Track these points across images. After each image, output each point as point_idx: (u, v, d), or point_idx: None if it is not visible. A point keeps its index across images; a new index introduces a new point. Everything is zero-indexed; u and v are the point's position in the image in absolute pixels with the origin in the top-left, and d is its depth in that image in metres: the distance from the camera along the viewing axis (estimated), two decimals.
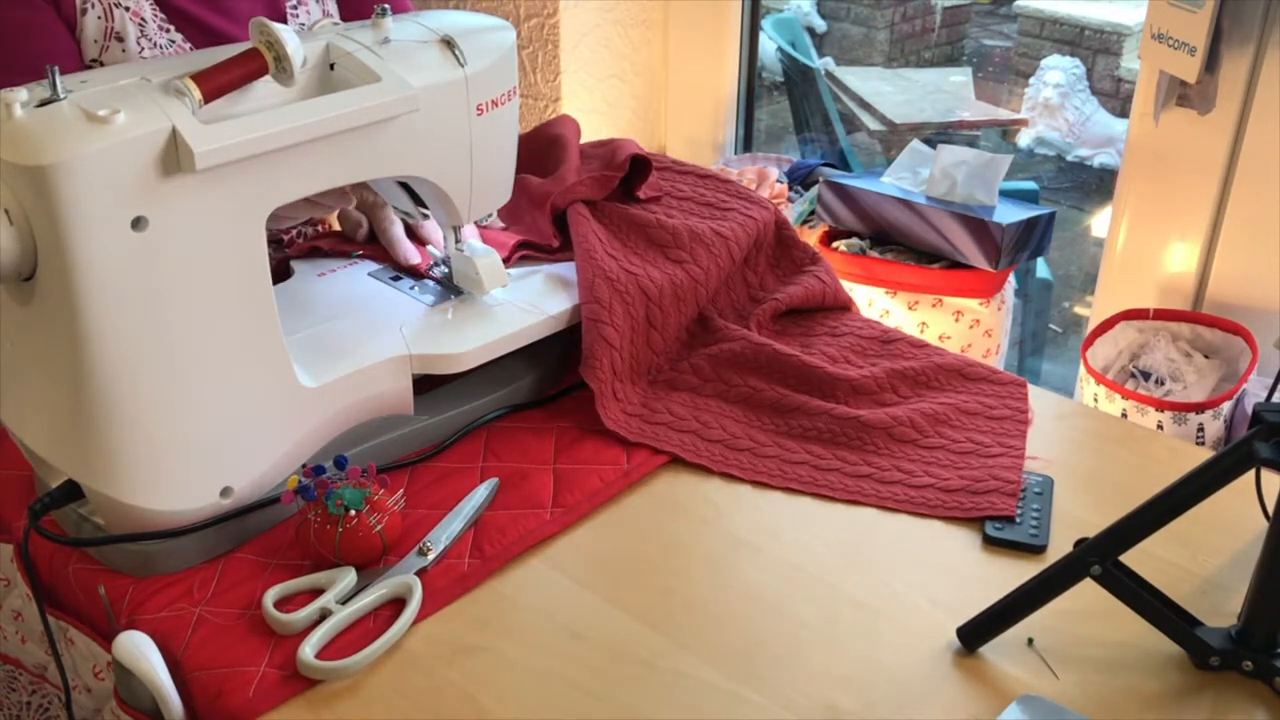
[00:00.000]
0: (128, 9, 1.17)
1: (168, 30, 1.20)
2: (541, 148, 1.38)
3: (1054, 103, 3.81)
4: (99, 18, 1.16)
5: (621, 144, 1.34)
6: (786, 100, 3.14)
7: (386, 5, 1.04)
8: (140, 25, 1.18)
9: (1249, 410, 1.60)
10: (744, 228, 1.31)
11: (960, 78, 4.19)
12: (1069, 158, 3.82)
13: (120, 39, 1.17)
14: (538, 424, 1.17)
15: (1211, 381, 1.71)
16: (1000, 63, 4.27)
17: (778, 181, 2.17)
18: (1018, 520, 1.03)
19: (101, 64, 1.17)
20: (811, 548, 1.02)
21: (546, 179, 1.31)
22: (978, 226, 1.78)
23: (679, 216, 1.31)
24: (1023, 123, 3.93)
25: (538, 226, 1.29)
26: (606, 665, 0.91)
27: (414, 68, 1.02)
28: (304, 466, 1.04)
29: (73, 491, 0.97)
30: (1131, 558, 0.87)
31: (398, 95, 0.99)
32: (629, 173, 1.33)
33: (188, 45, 1.21)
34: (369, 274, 1.23)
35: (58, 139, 0.84)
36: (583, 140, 1.45)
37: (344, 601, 0.94)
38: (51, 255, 0.87)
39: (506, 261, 1.23)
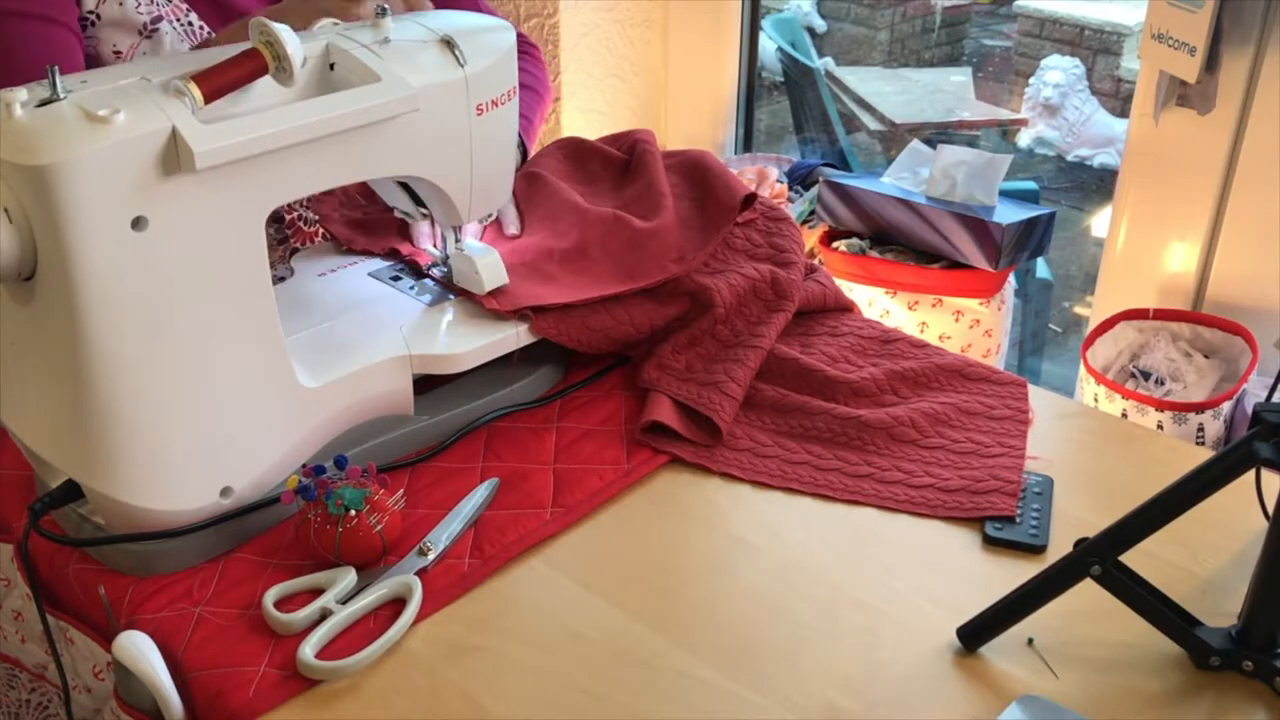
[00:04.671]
0: None
1: None
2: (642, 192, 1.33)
3: (1054, 103, 3.82)
4: None
5: (718, 175, 1.32)
6: (786, 100, 3.14)
7: (385, 5, 1.04)
8: None
9: (1249, 410, 1.60)
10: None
11: (960, 78, 4.19)
12: (1069, 158, 3.82)
13: None
14: (538, 424, 1.17)
15: (1211, 381, 1.72)
16: (1000, 63, 4.28)
17: (778, 181, 2.18)
18: (1018, 520, 1.03)
19: (98, 16, 1.17)
20: (811, 548, 1.02)
21: (653, 233, 1.25)
22: (978, 226, 1.79)
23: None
24: (1023, 123, 3.93)
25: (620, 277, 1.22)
26: (606, 665, 0.91)
27: (414, 68, 1.02)
28: (304, 466, 1.04)
29: (73, 491, 0.97)
30: (1131, 558, 0.87)
31: (398, 95, 0.99)
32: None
33: (185, 4, 1.21)
34: (369, 274, 1.23)
35: (58, 139, 0.84)
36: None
37: (344, 601, 0.94)
38: (51, 255, 0.87)
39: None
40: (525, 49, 1.49)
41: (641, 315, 1.20)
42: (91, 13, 1.17)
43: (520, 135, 1.38)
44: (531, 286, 1.19)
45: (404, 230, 1.30)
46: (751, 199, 1.31)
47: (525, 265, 1.22)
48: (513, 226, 1.29)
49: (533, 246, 1.26)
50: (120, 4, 1.18)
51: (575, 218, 1.28)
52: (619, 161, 1.40)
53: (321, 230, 1.46)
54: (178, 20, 1.20)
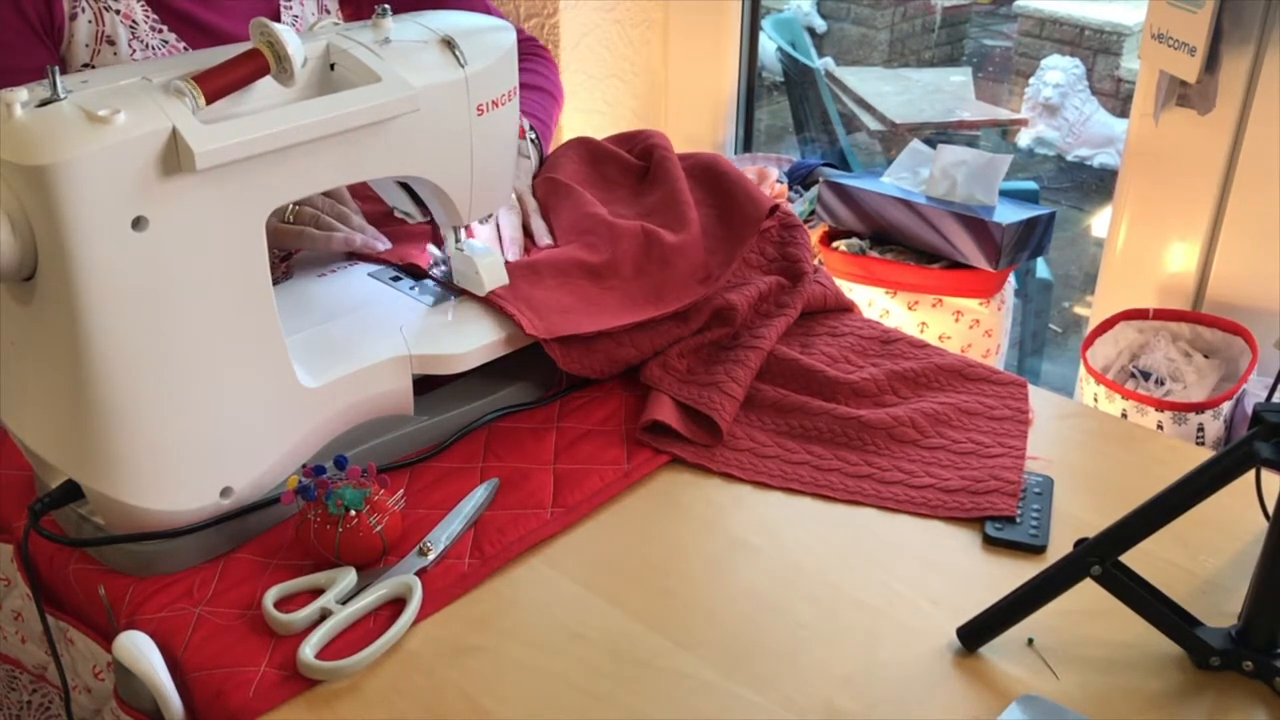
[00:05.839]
0: (118, 11, 1.17)
1: (160, 30, 1.20)
2: (666, 200, 1.32)
3: (1054, 103, 3.82)
4: (90, 21, 1.16)
5: (737, 182, 1.32)
6: (786, 100, 3.14)
7: (386, 5, 1.04)
8: (131, 27, 1.18)
9: (1249, 410, 1.60)
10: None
11: (960, 78, 4.19)
12: (1069, 158, 3.82)
13: (111, 42, 1.16)
14: (538, 424, 1.17)
15: (1211, 381, 1.72)
16: (1000, 63, 4.28)
17: (778, 181, 2.17)
18: (1018, 520, 1.03)
19: (93, 69, 1.17)
20: (811, 548, 1.02)
21: (683, 247, 1.25)
22: (978, 226, 1.79)
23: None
24: (1023, 123, 3.93)
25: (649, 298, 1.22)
26: (606, 665, 0.91)
27: (414, 68, 1.02)
28: (304, 466, 1.04)
29: (73, 491, 0.97)
30: (1131, 558, 0.87)
31: (398, 95, 0.99)
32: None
33: (181, 44, 1.21)
34: (369, 274, 1.23)
35: (58, 139, 0.84)
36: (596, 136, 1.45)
37: (344, 601, 0.94)
38: (51, 255, 0.87)
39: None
40: (537, 51, 1.48)
41: (663, 337, 1.21)
42: (87, 65, 1.17)
43: (538, 137, 1.38)
44: (564, 306, 1.17)
45: (422, 239, 1.29)
46: (774, 209, 1.31)
47: (556, 275, 1.21)
48: (546, 238, 1.29)
49: (563, 256, 1.24)
50: (115, 54, 1.17)
51: (605, 230, 1.26)
52: (636, 167, 1.39)
53: None
54: None
